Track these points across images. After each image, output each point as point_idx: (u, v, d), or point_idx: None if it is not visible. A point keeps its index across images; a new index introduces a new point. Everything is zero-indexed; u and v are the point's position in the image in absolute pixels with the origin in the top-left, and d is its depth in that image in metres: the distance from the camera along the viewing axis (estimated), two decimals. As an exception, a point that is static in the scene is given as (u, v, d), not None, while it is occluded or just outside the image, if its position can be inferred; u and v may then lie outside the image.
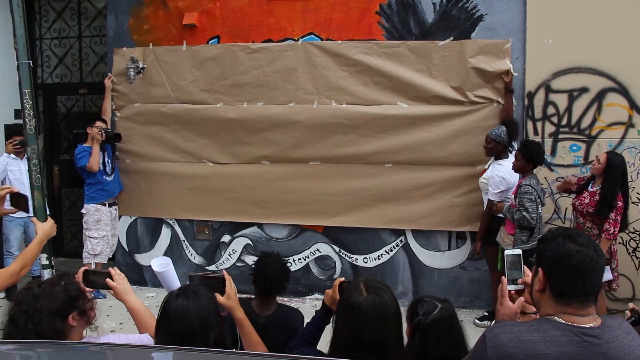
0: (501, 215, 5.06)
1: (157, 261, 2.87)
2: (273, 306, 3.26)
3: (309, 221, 6.22)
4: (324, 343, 2.54)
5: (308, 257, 6.30)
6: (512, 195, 4.97)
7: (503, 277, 2.07)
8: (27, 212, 3.30)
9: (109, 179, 6.27)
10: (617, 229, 4.74)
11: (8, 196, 3.19)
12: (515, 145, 5.20)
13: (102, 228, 6.22)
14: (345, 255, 6.20)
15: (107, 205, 6.27)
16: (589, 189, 4.92)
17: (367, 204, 5.99)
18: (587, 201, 4.85)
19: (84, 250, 6.21)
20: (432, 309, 2.24)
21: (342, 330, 2.10)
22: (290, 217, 6.25)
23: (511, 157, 5.14)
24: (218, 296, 2.40)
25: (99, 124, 6.15)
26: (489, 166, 5.35)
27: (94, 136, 6.08)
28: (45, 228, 3.01)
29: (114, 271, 2.55)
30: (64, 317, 2.22)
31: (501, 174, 5.09)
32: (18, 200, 3.05)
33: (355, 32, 5.93)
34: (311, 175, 6.09)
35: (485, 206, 5.36)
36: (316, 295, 6.24)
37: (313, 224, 6.23)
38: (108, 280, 2.50)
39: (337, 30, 5.97)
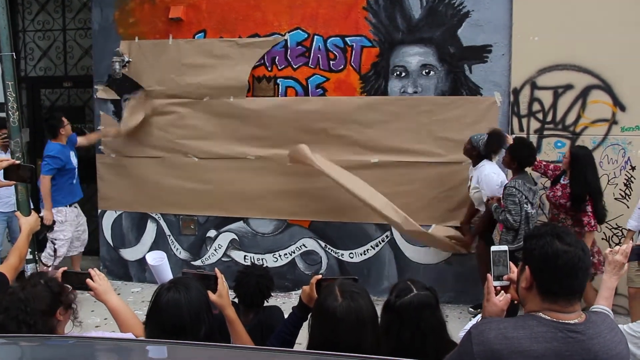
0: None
1: (152, 255, 2.87)
2: (254, 313, 3.34)
3: (295, 216, 6.21)
4: (300, 339, 2.55)
5: (294, 253, 6.30)
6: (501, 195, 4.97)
7: (488, 274, 2.07)
8: (31, 182, 3.18)
9: (75, 181, 6.08)
10: (595, 220, 4.87)
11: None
12: (495, 157, 5.22)
13: (67, 229, 5.98)
14: (331, 250, 6.20)
15: (68, 205, 6.02)
16: (562, 181, 5.04)
17: (353, 199, 6.00)
18: (559, 194, 4.98)
19: (45, 251, 5.92)
20: (406, 294, 2.20)
21: (317, 336, 2.08)
22: (276, 212, 6.24)
23: (486, 162, 5.18)
24: (210, 294, 2.38)
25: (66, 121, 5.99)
26: (471, 178, 5.36)
27: (67, 134, 5.97)
28: (29, 222, 2.99)
29: (94, 272, 2.52)
30: (52, 314, 2.22)
31: (492, 172, 5.09)
32: (16, 172, 2.94)
33: (342, 27, 5.92)
34: (298, 170, 6.08)
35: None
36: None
37: (299, 218, 6.22)
38: (88, 280, 2.48)
39: (323, 26, 5.96)
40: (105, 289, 2.49)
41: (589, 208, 4.82)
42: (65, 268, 2.55)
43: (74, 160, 6.01)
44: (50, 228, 5.81)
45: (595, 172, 4.99)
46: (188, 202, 6.42)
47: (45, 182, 5.68)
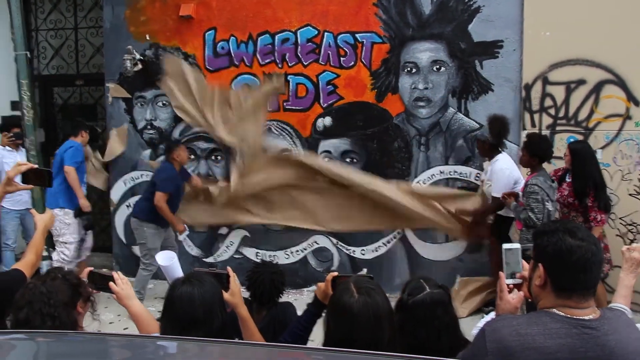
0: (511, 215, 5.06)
1: (162, 255, 2.88)
2: (267, 310, 3.36)
3: (309, 225, 6.16)
4: (313, 336, 2.55)
5: (306, 250, 6.30)
6: (521, 193, 4.93)
7: (501, 272, 2.06)
8: (49, 186, 3.21)
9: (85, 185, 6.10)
10: (603, 215, 4.83)
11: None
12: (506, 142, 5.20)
13: (75, 231, 5.91)
14: (343, 247, 6.20)
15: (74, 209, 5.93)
16: (567, 179, 4.99)
17: (366, 209, 5.93)
18: (566, 192, 4.93)
19: (59, 257, 5.81)
20: (418, 292, 2.21)
21: (334, 333, 2.07)
22: (291, 220, 6.17)
23: (503, 154, 5.15)
24: (222, 292, 2.39)
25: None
26: (486, 172, 5.35)
27: (85, 142, 6.04)
28: (44, 219, 3.01)
29: (117, 275, 2.50)
30: (74, 306, 2.24)
31: (505, 167, 5.06)
32: (34, 176, 2.98)
33: (352, 23, 5.91)
34: (314, 184, 6.04)
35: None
36: (313, 287, 6.21)
37: (314, 228, 6.17)
38: (111, 284, 2.46)
39: (334, 22, 5.96)
40: (127, 294, 2.47)
41: (595, 205, 4.79)
42: (92, 268, 2.54)
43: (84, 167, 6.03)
44: (89, 214, 5.84)
45: (596, 164, 4.95)
46: (201, 214, 6.38)
47: (71, 172, 5.68)
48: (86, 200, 5.84)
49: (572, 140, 5.37)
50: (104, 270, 2.61)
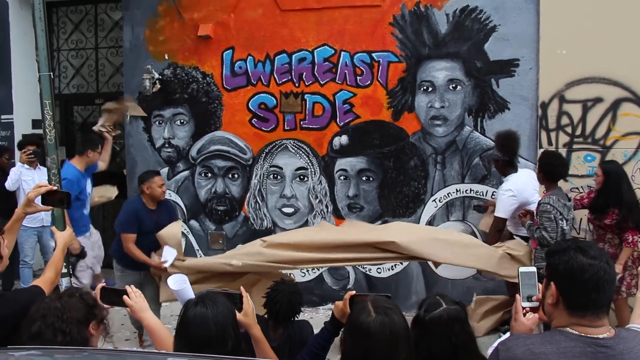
0: (523, 234, 5.01)
1: (174, 278, 2.88)
2: (283, 328, 3.36)
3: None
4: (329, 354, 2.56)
5: (322, 267, 6.28)
6: (535, 211, 4.88)
7: (517, 295, 2.05)
8: (67, 207, 3.23)
9: (87, 211, 5.78)
10: (635, 237, 4.69)
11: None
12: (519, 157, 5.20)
13: (87, 258, 5.61)
14: (359, 265, 6.19)
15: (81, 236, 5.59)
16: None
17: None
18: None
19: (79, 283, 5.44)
20: (435, 308, 2.21)
21: (351, 352, 2.07)
22: None
23: (521, 171, 5.12)
24: (236, 313, 2.39)
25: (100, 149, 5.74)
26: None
27: (93, 161, 5.70)
28: (64, 236, 3.06)
29: (130, 289, 2.54)
30: (87, 325, 2.26)
31: (508, 189, 5.01)
32: (53, 198, 3.03)
33: (368, 43, 5.96)
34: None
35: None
36: (329, 306, 6.23)
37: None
38: (125, 298, 2.50)
39: (350, 42, 6.01)
40: (141, 307, 2.50)
41: (630, 224, 4.66)
42: (104, 284, 2.58)
43: (88, 189, 5.71)
44: (82, 255, 5.44)
45: (628, 183, 4.85)
46: None
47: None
48: (77, 242, 5.29)
49: (589, 157, 5.36)
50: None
